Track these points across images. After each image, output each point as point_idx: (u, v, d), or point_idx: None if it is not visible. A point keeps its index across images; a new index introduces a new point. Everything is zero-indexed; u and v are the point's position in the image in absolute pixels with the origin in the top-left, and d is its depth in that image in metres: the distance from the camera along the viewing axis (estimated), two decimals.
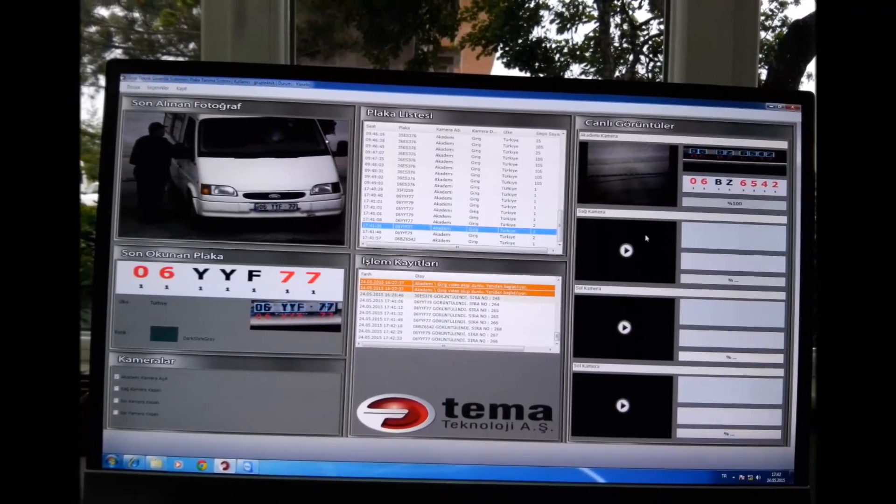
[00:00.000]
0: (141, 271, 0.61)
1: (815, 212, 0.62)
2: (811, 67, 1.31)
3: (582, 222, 0.62)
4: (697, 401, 0.62)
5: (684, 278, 0.63)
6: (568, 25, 1.82)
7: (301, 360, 0.61)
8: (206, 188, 0.61)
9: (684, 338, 0.62)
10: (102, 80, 0.62)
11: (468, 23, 1.80)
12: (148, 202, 0.61)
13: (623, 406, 0.62)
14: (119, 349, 0.60)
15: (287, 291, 0.61)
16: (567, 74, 1.84)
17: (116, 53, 1.54)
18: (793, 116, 0.64)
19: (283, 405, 0.60)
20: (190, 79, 0.62)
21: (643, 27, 1.78)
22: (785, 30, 1.65)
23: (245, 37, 0.91)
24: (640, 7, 1.79)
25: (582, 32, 1.85)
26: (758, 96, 0.65)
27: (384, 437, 0.61)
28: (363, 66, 1.77)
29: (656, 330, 0.62)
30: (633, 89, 0.64)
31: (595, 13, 1.82)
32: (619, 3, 1.78)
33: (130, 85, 0.61)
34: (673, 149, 0.63)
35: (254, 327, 0.61)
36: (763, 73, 1.36)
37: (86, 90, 1.26)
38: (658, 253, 0.63)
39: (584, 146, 0.63)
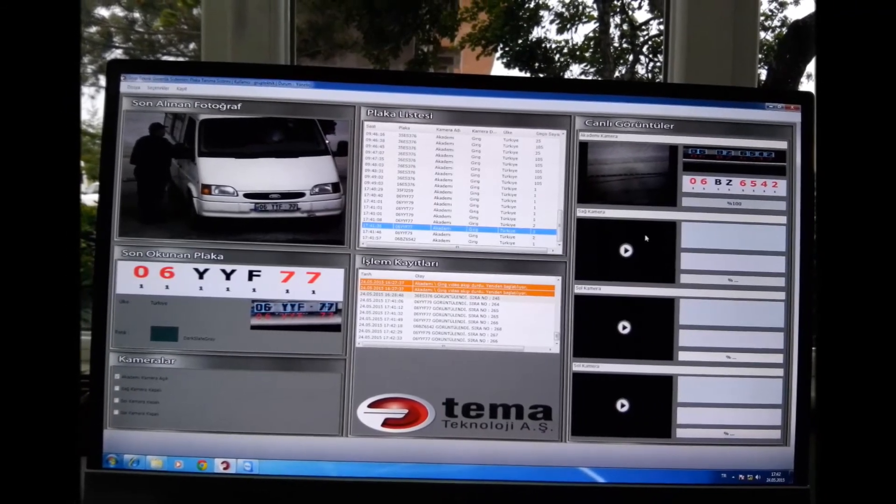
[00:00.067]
0: (141, 271, 0.61)
1: (814, 212, 0.62)
2: (811, 68, 1.31)
3: (582, 222, 0.62)
4: (697, 401, 0.62)
5: (684, 278, 0.63)
6: (568, 26, 1.82)
7: (301, 360, 0.61)
8: (206, 188, 0.61)
9: (684, 338, 0.62)
10: (103, 81, 0.62)
11: (468, 23, 1.80)
12: (148, 202, 0.61)
13: (623, 406, 0.62)
14: (119, 349, 0.60)
15: (287, 291, 0.61)
16: (567, 75, 1.84)
17: (117, 54, 1.54)
18: (792, 116, 0.64)
19: (283, 405, 0.61)
20: (190, 79, 0.62)
21: (643, 27, 1.78)
22: (784, 30, 1.65)
23: (245, 37, 0.91)
24: (639, 7, 1.79)
25: (582, 33, 1.85)
26: (757, 96, 0.65)
27: (384, 437, 0.61)
28: (363, 67, 1.77)
29: (656, 330, 0.62)
30: (633, 89, 0.64)
31: (595, 13, 1.82)
32: (618, 4, 1.78)
33: (131, 85, 0.61)
34: (673, 149, 0.63)
35: (254, 327, 0.61)
36: (763, 74, 1.36)
37: (86, 90, 1.26)
38: (658, 253, 0.63)
39: (583, 146, 0.63)
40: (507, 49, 1.83)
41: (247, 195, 0.62)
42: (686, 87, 0.78)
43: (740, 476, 0.62)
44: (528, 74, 1.83)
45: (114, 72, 0.61)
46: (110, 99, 0.61)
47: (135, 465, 0.60)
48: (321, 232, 0.62)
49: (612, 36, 1.81)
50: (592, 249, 0.62)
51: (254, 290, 0.61)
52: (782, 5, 1.69)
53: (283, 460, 0.61)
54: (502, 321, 0.62)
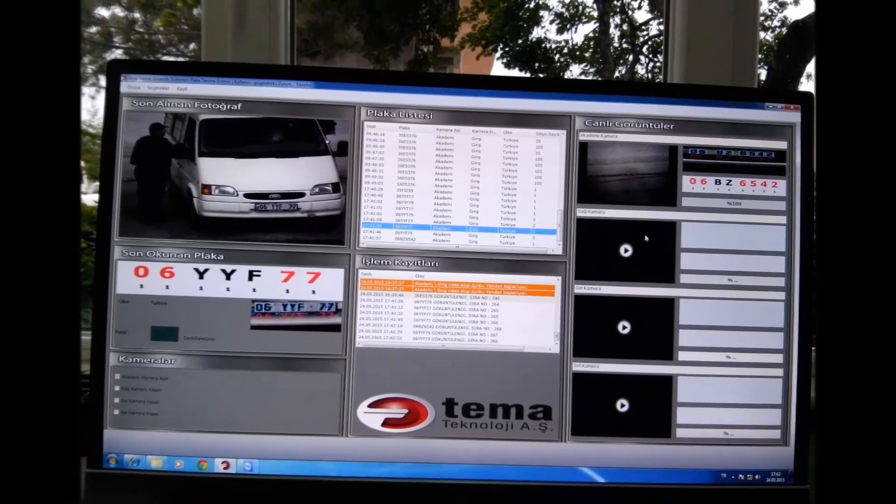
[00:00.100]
0: (141, 271, 0.61)
1: (814, 212, 0.63)
2: (810, 68, 1.31)
3: (582, 222, 0.62)
4: (697, 400, 0.62)
5: (684, 278, 0.63)
6: (568, 26, 1.82)
7: (301, 360, 0.61)
8: (206, 188, 0.61)
9: (684, 338, 0.62)
10: (103, 81, 0.62)
11: (468, 23, 1.80)
12: (148, 202, 0.61)
13: (623, 406, 0.62)
14: (119, 349, 0.60)
15: (287, 291, 0.61)
16: (567, 75, 1.84)
17: (117, 54, 1.54)
18: (792, 117, 0.64)
19: (283, 405, 0.61)
20: (190, 79, 0.62)
21: (643, 28, 1.78)
22: (784, 30, 1.65)
23: (245, 37, 0.91)
24: (639, 7, 1.79)
25: (582, 33, 1.85)
26: (757, 97, 0.65)
27: (384, 437, 0.61)
28: (363, 67, 1.77)
29: (656, 330, 0.62)
30: (633, 89, 0.64)
31: (595, 13, 1.82)
32: (618, 4, 1.78)
33: (131, 85, 0.61)
34: (672, 149, 0.63)
35: (254, 327, 0.61)
36: (762, 74, 1.36)
37: (86, 90, 1.26)
38: (658, 253, 0.63)
39: (583, 146, 0.63)
40: (507, 49, 1.83)
41: (247, 195, 0.62)
42: (686, 87, 0.78)
43: (740, 476, 0.62)
44: (528, 74, 1.83)
45: (114, 72, 0.61)
46: (110, 99, 0.61)
47: (135, 465, 0.60)
48: (321, 232, 0.62)
49: (612, 36, 1.81)
50: (592, 249, 0.62)
51: (254, 290, 0.61)
52: (782, 5, 1.69)
53: (283, 460, 0.61)
54: (502, 321, 0.62)
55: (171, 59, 1.54)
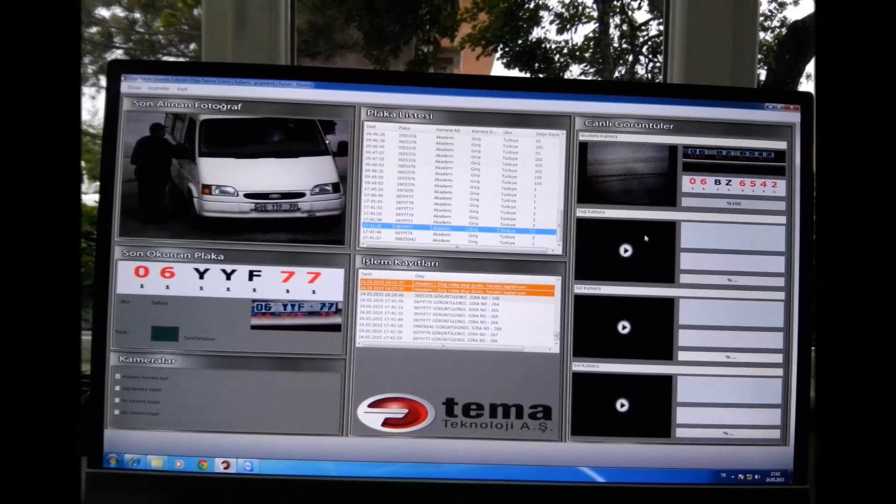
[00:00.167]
0: (142, 271, 0.61)
1: (813, 212, 0.63)
2: (810, 68, 1.31)
3: (581, 222, 0.63)
4: (697, 400, 0.62)
5: (684, 278, 0.63)
6: (567, 26, 1.82)
7: (301, 360, 0.61)
8: (206, 188, 0.61)
9: (684, 337, 0.62)
10: (103, 81, 0.62)
11: (468, 23, 1.80)
12: (149, 202, 0.61)
13: (623, 406, 0.62)
14: (120, 349, 0.60)
15: (287, 291, 0.61)
16: (567, 75, 1.84)
17: (117, 54, 1.54)
18: (792, 117, 0.64)
19: (283, 405, 0.61)
20: (191, 79, 0.62)
21: (643, 28, 1.78)
22: (784, 30, 1.65)
23: (246, 37, 0.91)
24: (639, 8, 1.79)
25: (581, 33, 1.85)
26: (757, 97, 0.65)
27: (384, 437, 0.61)
28: (363, 67, 1.77)
29: (656, 330, 0.62)
30: (633, 90, 0.64)
31: (595, 14, 1.82)
32: (618, 4, 1.78)
33: (131, 85, 0.61)
34: (672, 149, 0.63)
35: (254, 327, 0.61)
36: (762, 74, 1.36)
37: (87, 91, 1.26)
38: (657, 253, 0.63)
39: (583, 146, 0.63)
40: (507, 49, 1.83)
41: (247, 195, 0.62)
42: (686, 88, 0.78)
43: (740, 476, 0.62)
44: (527, 75, 1.83)
45: (114, 72, 0.61)
46: (111, 99, 0.61)
47: (135, 465, 0.60)
48: (321, 232, 0.62)
49: (612, 36, 1.82)
50: (592, 249, 0.62)
51: (254, 290, 0.61)
52: (782, 6, 1.69)
53: (283, 460, 0.61)
54: (502, 321, 0.62)
55: (172, 59, 1.54)
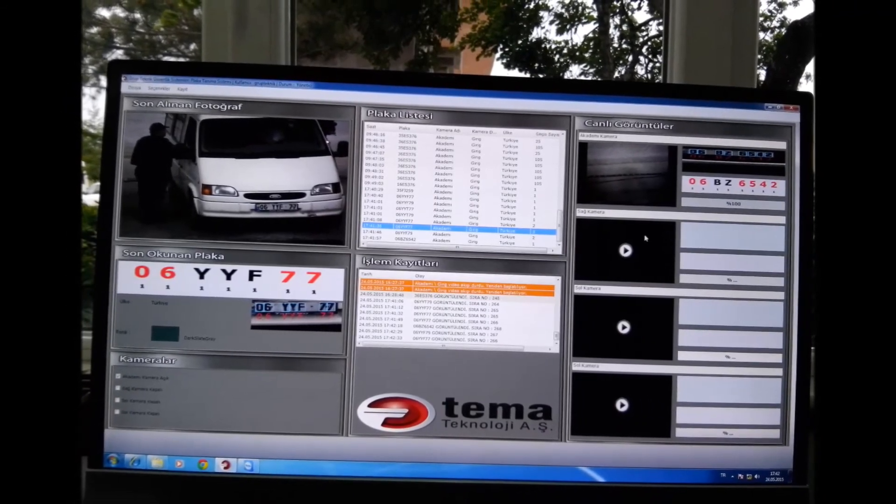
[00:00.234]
0: (142, 271, 0.61)
1: (813, 212, 0.63)
2: (810, 68, 1.31)
3: (581, 222, 0.63)
4: (696, 400, 0.62)
5: (683, 278, 0.63)
6: (567, 26, 1.82)
7: (301, 360, 0.61)
8: (207, 188, 0.61)
9: (683, 337, 0.62)
10: (104, 81, 0.62)
11: (468, 24, 1.81)
12: (149, 202, 0.61)
13: (622, 405, 0.62)
14: (120, 349, 0.60)
15: (287, 291, 0.61)
16: (566, 75, 1.84)
17: (118, 54, 1.55)
18: (791, 117, 0.64)
19: (283, 405, 0.61)
20: (191, 79, 0.62)
21: (642, 28, 1.78)
22: (784, 31, 1.65)
23: (246, 38, 0.92)
24: (639, 8, 1.79)
25: (581, 33, 1.86)
26: (757, 97, 0.65)
27: (384, 437, 0.61)
28: (363, 67, 1.77)
29: (655, 330, 0.62)
30: (633, 90, 0.64)
31: (594, 14, 1.82)
32: (618, 4, 1.78)
33: (132, 86, 0.62)
34: (672, 149, 0.63)
35: (254, 327, 0.61)
36: (762, 74, 1.36)
37: (87, 91, 1.26)
38: (657, 253, 0.63)
39: (583, 146, 0.63)
40: (506, 49, 1.84)
41: (247, 195, 0.62)
42: (685, 88, 0.79)
43: (739, 475, 0.62)
44: (527, 75, 1.83)
45: (115, 72, 0.62)
46: (111, 99, 0.61)
47: (136, 465, 0.60)
48: (321, 232, 0.62)
49: (612, 36, 1.82)
50: (592, 249, 0.62)
51: (254, 290, 0.61)
52: (781, 6, 1.69)
53: (283, 460, 0.61)
54: (502, 321, 0.62)
55: (172, 59, 1.54)
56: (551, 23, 1.82)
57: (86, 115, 1.28)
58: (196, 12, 1.27)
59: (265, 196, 0.62)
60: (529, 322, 0.62)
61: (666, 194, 0.63)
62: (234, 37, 0.91)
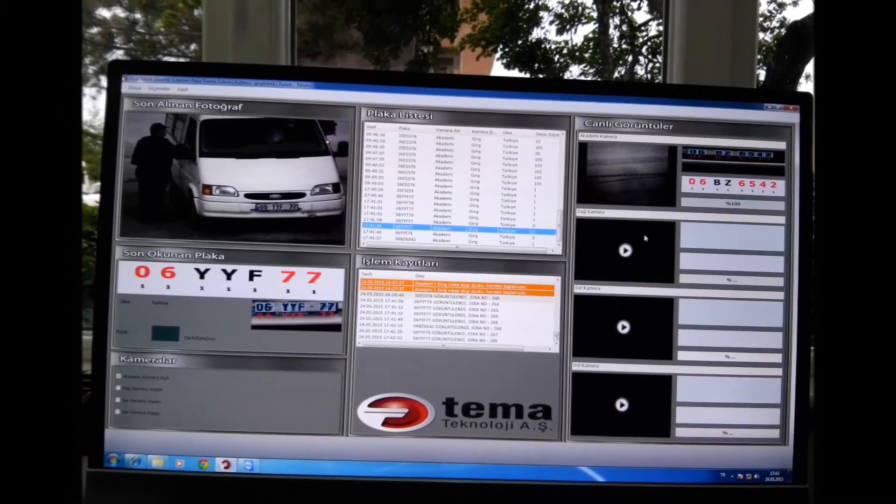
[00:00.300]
0: (142, 271, 0.61)
1: (813, 212, 0.63)
2: (809, 68, 1.32)
3: (581, 222, 0.63)
4: (696, 400, 0.62)
5: (683, 278, 0.63)
6: (567, 27, 1.82)
7: (302, 360, 0.61)
8: (207, 188, 0.61)
9: (683, 337, 0.62)
10: (104, 81, 0.62)
11: (468, 24, 1.81)
12: (149, 202, 0.61)
13: (622, 405, 0.62)
14: (121, 349, 0.60)
15: (288, 291, 0.61)
16: (566, 75, 1.84)
17: (118, 54, 1.55)
18: (791, 117, 0.64)
19: (283, 404, 0.61)
20: (191, 79, 0.62)
21: (642, 28, 1.78)
22: (783, 31, 1.65)
23: (246, 38, 0.92)
24: (639, 8, 1.79)
25: (581, 33, 1.86)
26: (756, 97, 0.65)
27: (384, 437, 0.61)
28: (363, 67, 1.77)
29: (655, 329, 0.63)
30: (633, 90, 0.64)
31: (594, 14, 1.83)
32: (618, 5, 1.78)
33: (132, 86, 0.62)
34: (672, 149, 0.63)
35: (255, 327, 0.61)
36: (762, 74, 1.36)
37: (87, 91, 1.26)
38: (657, 253, 0.63)
39: (583, 147, 0.63)
40: (506, 50, 1.84)
41: (248, 195, 0.62)
42: (685, 88, 0.79)
43: (739, 475, 0.62)
44: (527, 75, 1.83)
45: (115, 72, 0.62)
46: (111, 99, 0.61)
47: (136, 465, 0.60)
48: (322, 232, 0.62)
49: (612, 37, 1.82)
50: (592, 249, 0.63)
51: (254, 289, 0.61)
52: (781, 6, 1.69)
53: (283, 459, 0.61)
54: (502, 321, 0.62)
55: (172, 59, 1.54)
56: (551, 23, 1.82)
57: (86, 116, 1.28)
58: (196, 12, 1.27)
59: (265, 196, 0.62)
60: (529, 322, 0.62)
61: (666, 194, 0.63)
62: (234, 37, 0.91)
